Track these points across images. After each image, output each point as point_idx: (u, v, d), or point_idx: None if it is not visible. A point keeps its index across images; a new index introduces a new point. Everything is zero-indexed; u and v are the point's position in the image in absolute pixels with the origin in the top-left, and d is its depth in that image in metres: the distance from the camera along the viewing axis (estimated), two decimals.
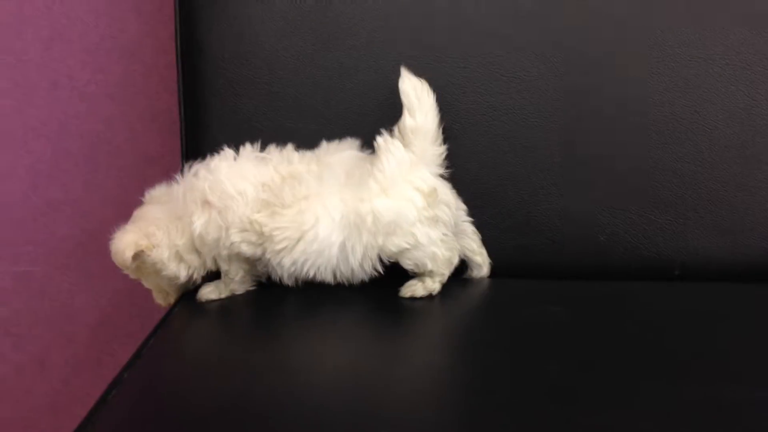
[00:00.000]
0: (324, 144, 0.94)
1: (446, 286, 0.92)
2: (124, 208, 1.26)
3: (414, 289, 0.90)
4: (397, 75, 0.94)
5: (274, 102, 0.98)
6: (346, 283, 0.91)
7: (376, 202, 0.87)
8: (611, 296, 0.91)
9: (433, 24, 0.97)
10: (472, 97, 0.97)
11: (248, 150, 0.93)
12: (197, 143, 1.01)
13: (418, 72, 0.95)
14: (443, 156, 0.93)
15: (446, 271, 0.91)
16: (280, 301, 0.92)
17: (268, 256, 0.90)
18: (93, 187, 1.24)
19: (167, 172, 1.23)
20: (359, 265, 0.89)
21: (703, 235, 0.95)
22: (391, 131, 0.91)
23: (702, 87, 0.94)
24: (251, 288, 0.94)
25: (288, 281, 0.92)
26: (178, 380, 0.76)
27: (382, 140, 0.90)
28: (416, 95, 0.91)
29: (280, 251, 0.89)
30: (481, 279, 0.97)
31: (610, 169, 0.96)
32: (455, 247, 0.92)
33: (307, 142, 0.96)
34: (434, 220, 0.89)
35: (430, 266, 0.89)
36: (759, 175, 0.94)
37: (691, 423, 0.63)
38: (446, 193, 0.92)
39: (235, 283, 0.93)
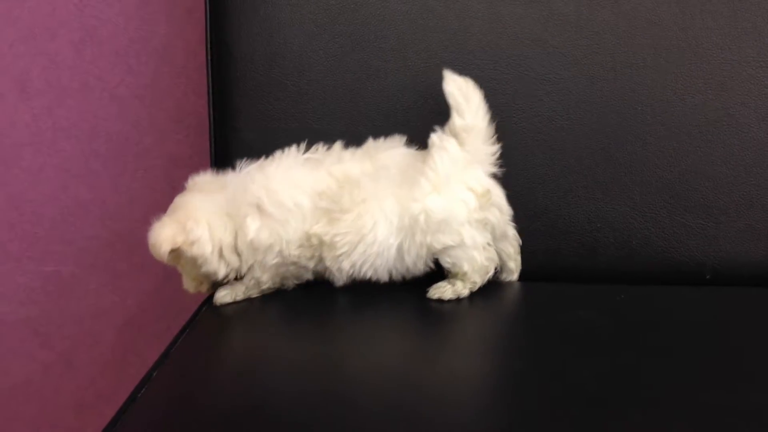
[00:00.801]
0: (370, 140, 0.93)
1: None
2: (152, 209, 1.27)
3: (443, 291, 0.89)
4: (427, 77, 0.95)
5: (303, 104, 0.98)
6: (400, 280, 0.91)
7: (428, 201, 0.87)
8: (641, 301, 0.90)
9: (465, 26, 0.97)
10: (502, 99, 0.96)
11: (295, 152, 0.92)
12: (226, 145, 1.01)
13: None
14: (497, 155, 0.91)
15: (479, 280, 0.90)
16: (305, 301, 0.92)
17: (327, 262, 0.89)
18: (121, 187, 1.25)
19: (194, 174, 1.25)
20: (413, 263, 0.89)
21: (735, 239, 0.94)
22: (442, 129, 0.90)
23: (735, 89, 0.94)
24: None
25: (341, 283, 0.91)
26: (207, 380, 0.76)
27: (436, 137, 0.89)
28: (463, 95, 0.89)
29: (339, 256, 0.88)
30: (510, 282, 0.96)
31: (641, 172, 0.95)
32: (494, 258, 0.91)
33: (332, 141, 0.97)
34: (483, 224, 0.89)
35: (466, 268, 0.89)
36: None
37: (722, 430, 0.62)
38: (499, 195, 0.91)
39: (258, 289, 0.93)
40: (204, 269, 0.91)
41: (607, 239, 0.96)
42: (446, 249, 0.88)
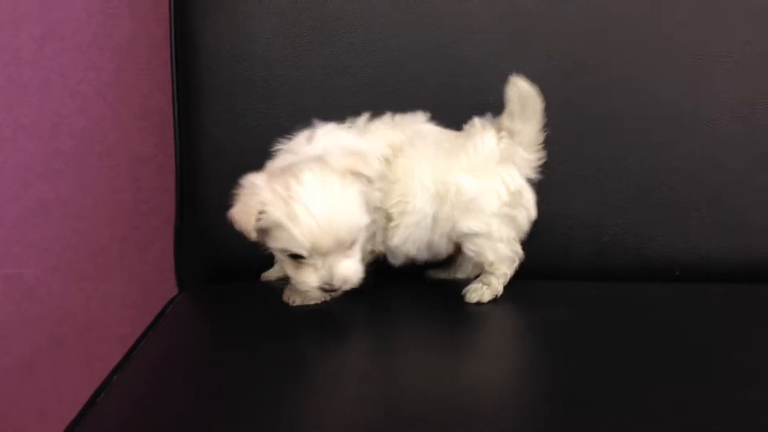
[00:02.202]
0: (388, 115, 0.90)
1: (450, 288, 0.91)
2: (116, 209, 1.25)
3: (480, 293, 0.87)
4: (397, 72, 0.93)
5: (270, 100, 0.96)
6: (436, 260, 0.91)
7: (462, 176, 0.86)
8: (614, 297, 0.89)
9: (435, 22, 0.96)
10: (475, 96, 0.95)
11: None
12: (191, 142, 0.99)
13: (418, 69, 0.94)
14: (538, 163, 0.90)
15: (508, 271, 0.89)
16: (272, 301, 0.90)
17: (379, 237, 0.88)
18: (84, 187, 1.22)
19: (159, 172, 1.22)
20: (439, 239, 0.88)
21: (705, 236, 0.94)
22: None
23: (706, 85, 0.94)
24: None
25: (398, 263, 0.90)
26: (168, 383, 0.73)
27: (479, 122, 0.89)
28: (521, 103, 0.88)
29: (394, 227, 0.87)
30: None
31: (613, 168, 0.95)
32: (519, 252, 0.89)
33: None
34: (512, 220, 0.88)
35: (491, 258, 0.87)
36: (764, 175, 0.94)
37: (695, 425, 0.62)
38: (530, 199, 0.90)
39: None
40: None
41: (579, 236, 0.96)
42: (472, 236, 0.87)
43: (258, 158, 0.95)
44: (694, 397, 0.65)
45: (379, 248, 0.89)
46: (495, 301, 0.88)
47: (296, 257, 0.78)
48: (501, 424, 0.62)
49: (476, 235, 0.87)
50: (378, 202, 0.85)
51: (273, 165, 0.84)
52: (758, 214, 0.93)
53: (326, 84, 0.96)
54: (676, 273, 0.94)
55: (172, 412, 0.67)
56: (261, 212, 0.77)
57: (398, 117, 0.91)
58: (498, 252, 0.88)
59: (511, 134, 0.89)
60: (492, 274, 0.88)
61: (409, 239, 0.88)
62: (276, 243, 0.78)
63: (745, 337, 0.79)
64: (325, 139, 0.85)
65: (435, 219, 0.87)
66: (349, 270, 0.78)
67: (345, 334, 0.82)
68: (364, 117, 0.90)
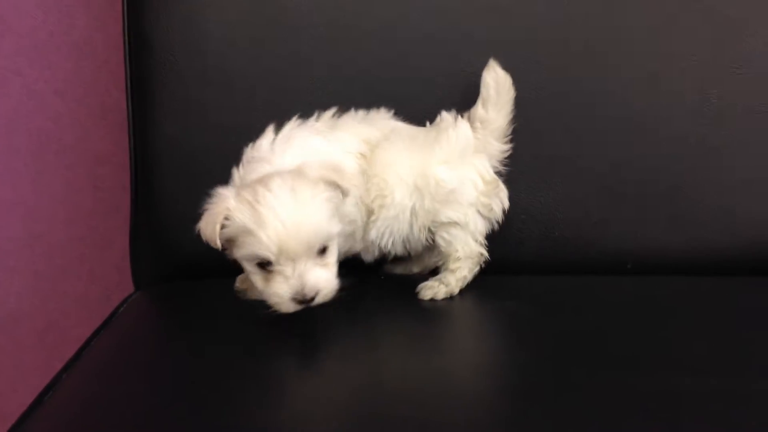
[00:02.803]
0: (353, 111, 0.90)
1: (405, 282, 0.91)
2: (75, 209, 1.24)
3: (435, 290, 0.88)
4: (357, 65, 0.94)
5: (227, 94, 0.96)
6: (411, 254, 0.91)
7: (439, 168, 0.87)
8: (567, 291, 0.90)
9: (398, 15, 0.96)
10: (437, 93, 0.95)
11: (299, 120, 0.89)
12: (146, 139, 0.98)
13: (377, 62, 0.94)
14: (506, 155, 0.92)
15: (468, 273, 0.89)
16: (229, 299, 0.89)
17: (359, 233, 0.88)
18: (41, 186, 1.21)
19: (118, 171, 1.21)
20: (418, 231, 0.88)
21: (658, 229, 0.95)
22: (461, 114, 0.91)
23: (664, 82, 0.94)
24: None
25: (371, 258, 0.91)
26: (117, 381, 0.73)
27: (448, 116, 0.90)
28: (496, 89, 0.90)
29: (372, 222, 0.87)
30: None
31: (568, 163, 0.95)
32: (485, 254, 0.90)
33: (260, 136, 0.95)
34: (488, 210, 0.89)
35: (459, 252, 0.88)
36: (717, 169, 0.94)
37: (644, 412, 0.63)
38: (503, 189, 0.91)
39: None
40: None
41: (531, 231, 0.96)
42: (448, 225, 0.87)
43: (213, 154, 0.96)
44: (644, 387, 0.66)
45: (357, 247, 0.89)
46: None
47: (265, 266, 0.76)
48: (469, 415, 0.63)
49: (453, 224, 0.87)
50: (353, 216, 0.85)
51: (245, 176, 0.82)
52: (710, 208, 0.94)
53: (284, 77, 0.95)
54: (629, 266, 0.95)
55: (121, 409, 0.67)
56: (226, 218, 0.76)
57: (362, 113, 0.91)
58: (468, 247, 0.88)
59: (483, 124, 0.90)
60: (453, 273, 0.88)
61: (386, 233, 0.88)
62: (243, 250, 0.76)
63: (695, 328, 0.80)
64: (300, 146, 0.84)
65: (414, 212, 0.87)
66: (322, 280, 0.76)
67: (303, 331, 0.81)
68: (330, 112, 0.89)
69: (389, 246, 0.89)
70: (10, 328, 1.26)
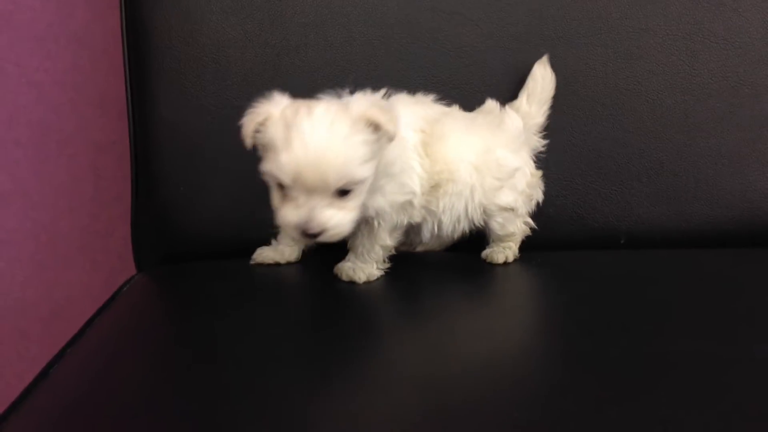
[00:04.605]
0: (402, 93, 0.87)
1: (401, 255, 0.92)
2: (76, 198, 1.25)
3: (506, 255, 0.91)
4: (347, 52, 0.96)
5: (222, 80, 0.97)
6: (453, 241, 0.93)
7: (502, 150, 0.89)
8: (559, 265, 0.92)
9: (383, 1, 0.97)
10: (420, 71, 0.97)
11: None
12: (145, 124, 1.00)
13: (368, 49, 0.95)
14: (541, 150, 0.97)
15: (520, 240, 0.94)
16: (230, 279, 0.91)
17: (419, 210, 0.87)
18: (43, 176, 1.23)
19: (119, 160, 1.23)
20: (473, 211, 0.89)
21: (647, 204, 0.96)
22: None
23: (643, 58, 0.96)
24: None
25: (427, 236, 0.91)
26: (118, 358, 0.74)
27: (495, 104, 0.93)
28: (542, 85, 0.94)
29: (442, 194, 0.87)
30: (426, 251, 0.97)
31: (556, 141, 0.97)
32: (531, 225, 0.95)
33: None
34: (529, 200, 0.93)
35: (514, 231, 0.92)
36: (701, 143, 0.96)
37: (637, 376, 0.64)
38: (542, 185, 0.96)
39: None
40: None
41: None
42: (503, 210, 0.90)
43: (210, 138, 0.98)
44: (632, 352, 0.68)
45: (416, 218, 0.87)
46: (439, 268, 0.91)
47: (282, 188, 0.75)
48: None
49: (507, 209, 0.90)
50: (395, 169, 0.82)
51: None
52: (695, 182, 0.96)
53: (277, 64, 0.97)
54: (622, 241, 0.97)
55: (122, 386, 0.68)
56: (262, 124, 0.76)
57: (409, 96, 0.88)
58: (519, 227, 0.92)
59: (525, 118, 0.94)
60: (511, 240, 0.92)
61: (448, 209, 0.87)
62: (267, 164, 0.76)
63: (688, 296, 0.82)
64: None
65: (473, 190, 0.87)
66: (332, 220, 0.74)
67: (303, 312, 0.82)
68: (380, 93, 0.84)
69: (446, 229, 0.89)
70: (15, 317, 1.27)
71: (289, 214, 0.75)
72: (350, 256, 0.86)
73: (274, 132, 0.74)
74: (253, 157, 0.96)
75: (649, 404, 0.59)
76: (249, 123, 0.77)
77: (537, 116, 0.95)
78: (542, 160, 0.97)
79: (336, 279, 0.86)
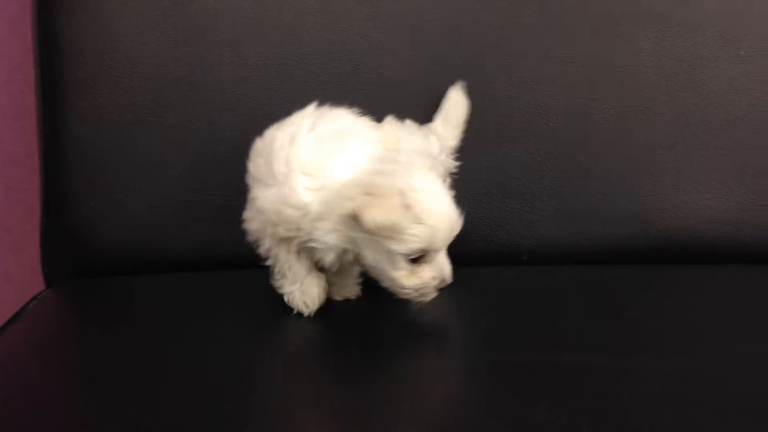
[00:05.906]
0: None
1: None
2: None
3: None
4: (262, 70, 0.98)
5: (136, 97, 0.97)
6: None
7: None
8: (462, 281, 0.94)
9: (298, 21, 0.99)
10: (332, 93, 0.98)
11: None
12: (56, 141, 0.99)
13: (283, 67, 0.98)
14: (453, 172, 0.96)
15: None
16: (140, 295, 0.91)
17: None
18: None
19: (32, 174, 1.21)
20: None
21: (548, 222, 1.00)
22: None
23: (545, 83, 1.00)
24: None
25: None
26: (18, 377, 0.75)
27: (413, 124, 0.92)
28: (457, 111, 0.96)
29: None
30: None
31: (463, 160, 0.98)
32: None
33: (170, 137, 0.98)
34: None
35: None
36: (598, 166, 1.00)
37: (538, 387, 0.69)
38: None
39: None
40: None
41: None
42: None
43: (123, 154, 0.98)
44: (534, 365, 0.73)
45: None
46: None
47: (417, 259, 0.75)
48: None
49: None
50: None
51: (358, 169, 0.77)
52: (592, 202, 1.00)
53: (191, 81, 0.98)
54: (524, 258, 1.00)
55: (17, 406, 0.68)
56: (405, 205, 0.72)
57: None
58: None
59: (439, 140, 0.95)
60: None
61: None
62: (399, 244, 0.73)
63: (583, 312, 0.86)
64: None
65: None
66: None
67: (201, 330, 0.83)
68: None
69: None
70: None
71: (425, 275, 0.76)
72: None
73: (417, 204, 0.73)
74: (165, 171, 0.98)
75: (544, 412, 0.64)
76: (392, 210, 0.72)
77: (451, 139, 0.97)
78: (450, 180, 1.00)
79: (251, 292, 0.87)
